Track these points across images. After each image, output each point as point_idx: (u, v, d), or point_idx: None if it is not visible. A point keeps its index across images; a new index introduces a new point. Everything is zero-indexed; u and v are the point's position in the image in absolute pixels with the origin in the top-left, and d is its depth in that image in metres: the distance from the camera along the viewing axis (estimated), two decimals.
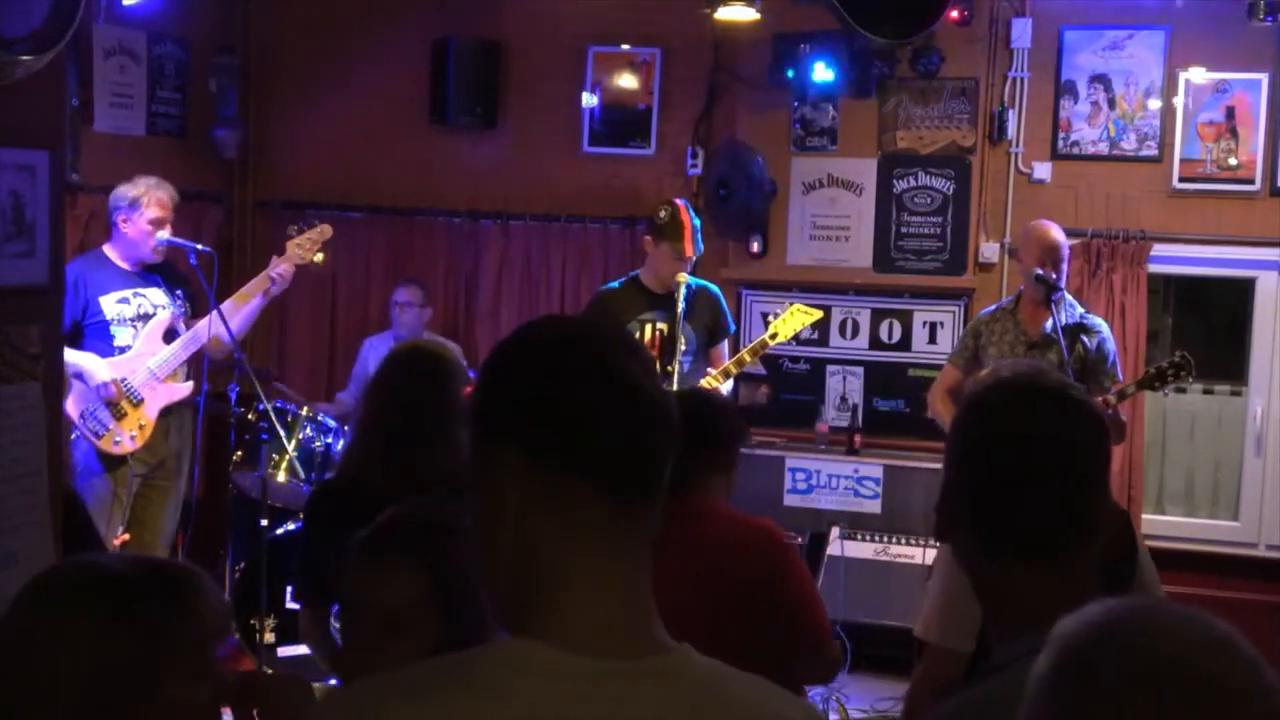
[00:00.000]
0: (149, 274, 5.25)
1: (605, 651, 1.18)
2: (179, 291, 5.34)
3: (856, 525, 5.99)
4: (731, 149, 6.31)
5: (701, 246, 5.36)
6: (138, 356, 5.13)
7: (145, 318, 5.18)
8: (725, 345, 5.54)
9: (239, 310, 5.33)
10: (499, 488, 1.22)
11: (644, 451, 1.23)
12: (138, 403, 5.14)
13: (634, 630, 1.22)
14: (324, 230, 5.52)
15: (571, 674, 1.16)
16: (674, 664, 1.22)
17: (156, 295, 5.24)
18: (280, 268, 5.37)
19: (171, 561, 1.86)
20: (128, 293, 5.15)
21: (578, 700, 1.15)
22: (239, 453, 5.70)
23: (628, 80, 6.74)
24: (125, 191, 5.14)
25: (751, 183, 6.25)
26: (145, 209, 5.10)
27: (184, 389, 5.28)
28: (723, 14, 5.83)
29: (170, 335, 5.23)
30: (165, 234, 5.25)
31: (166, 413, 5.25)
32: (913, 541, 5.82)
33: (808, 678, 3.22)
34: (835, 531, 5.90)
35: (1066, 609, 1.61)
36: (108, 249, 5.21)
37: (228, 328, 5.14)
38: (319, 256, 5.50)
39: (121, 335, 5.13)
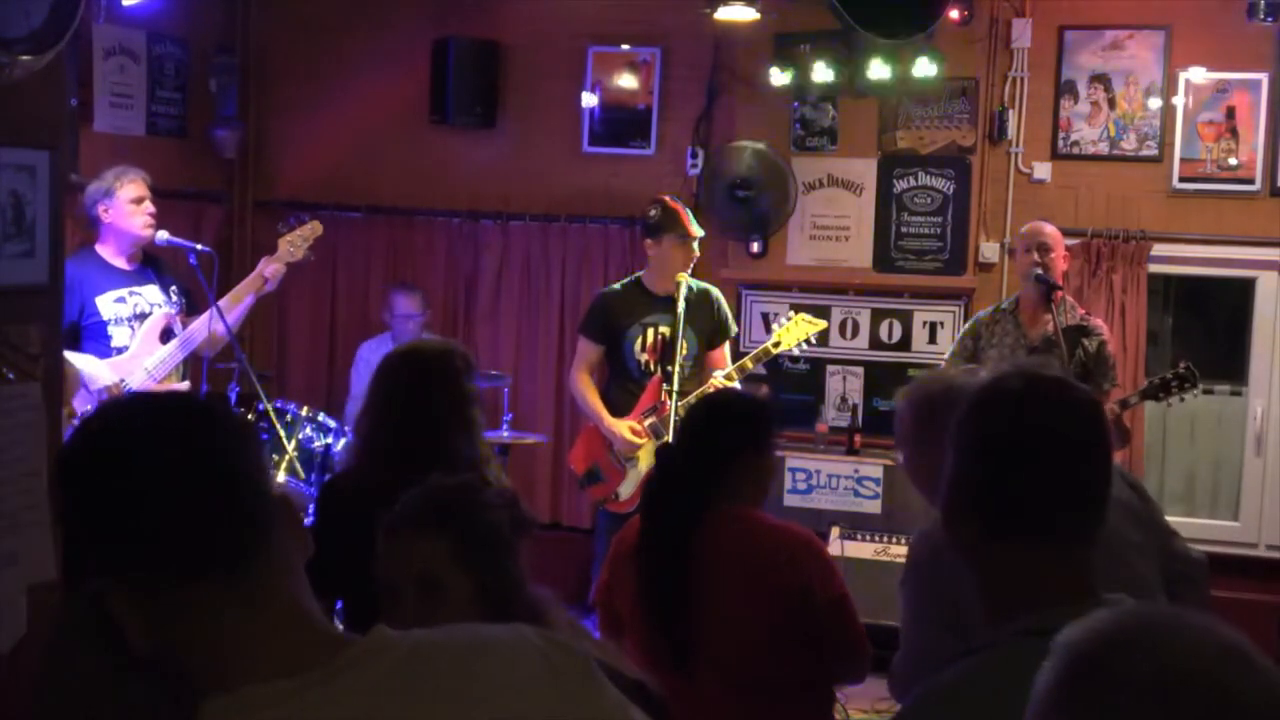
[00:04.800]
0: (144, 270, 5.18)
1: (298, 669, 1.25)
2: (174, 288, 5.26)
3: (856, 525, 5.98)
4: (755, 151, 6.25)
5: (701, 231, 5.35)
6: (134, 357, 5.06)
7: (142, 317, 5.11)
8: (726, 347, 5.53)
9: (233, 310, 5.28)
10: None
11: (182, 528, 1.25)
12: None
13: (318, 642, 1.29)
14: (315, 227, 5.45)
15: (283, 698, 1.23)
16: (368, 650, 1.29)
17: (152, 293, 5.18)
18: (271, 268, 5.32)
19: None
20: (124, 291, 5.08)
21: (300, 711, 1.22)
22: None
23: (628, 80, 6.74)
24: (96, 185, 5.03)
25: (775, 185, 6.21)
26: (120, 190, 5.00)
27: (180, 389, 5.16)
28: (723, 14, 5.82)
29: (166, 334, 5.16)
30: (164, 234, 5.23)
31: None
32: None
33: (842, 678, 3.33)
34: (835, 532, 5.89)
35: (1060, 591, 1.62)
36: (99, 248, 5.09)
37: (226, 325, 5.12)
38: (307, 253, 5.43)
39: (119, 335, 5.07)
